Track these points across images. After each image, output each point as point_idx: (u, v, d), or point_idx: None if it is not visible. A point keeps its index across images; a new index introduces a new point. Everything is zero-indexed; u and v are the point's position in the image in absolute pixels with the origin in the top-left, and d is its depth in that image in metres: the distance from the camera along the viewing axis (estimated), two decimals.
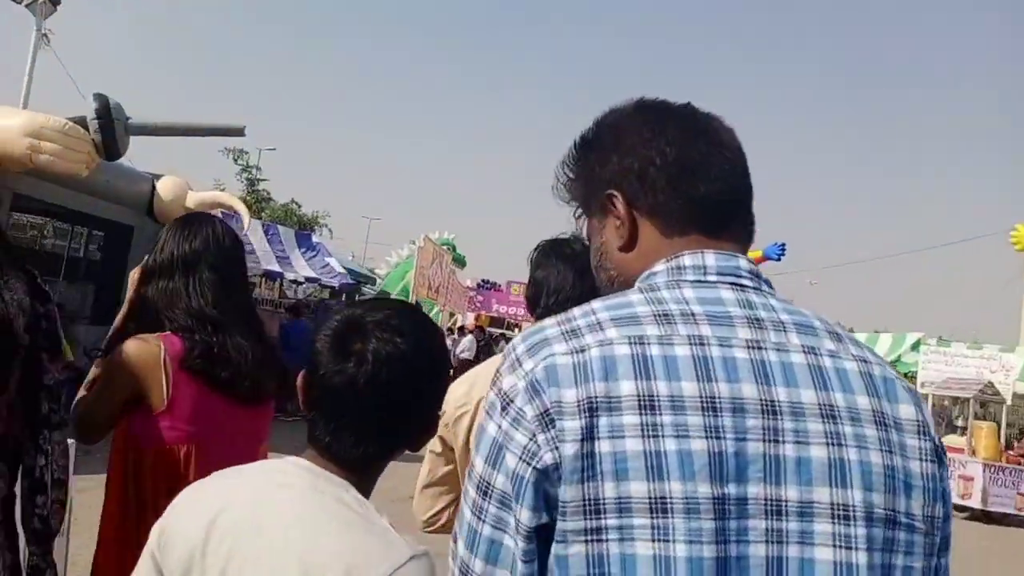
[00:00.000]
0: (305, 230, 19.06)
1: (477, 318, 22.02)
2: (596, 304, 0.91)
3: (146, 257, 2.06)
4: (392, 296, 17.60)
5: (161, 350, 1.85)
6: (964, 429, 11.34)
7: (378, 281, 20.01)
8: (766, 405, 0.82)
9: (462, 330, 18.51)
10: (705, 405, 0.80)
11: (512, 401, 0.84)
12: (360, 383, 1.11)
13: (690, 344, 0.84)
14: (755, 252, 18.32)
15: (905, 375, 18.20)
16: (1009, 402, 12.59)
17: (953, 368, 14.58)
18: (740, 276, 0.92)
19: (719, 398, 0.81)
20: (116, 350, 1.89)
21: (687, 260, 0.93)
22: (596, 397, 0.81)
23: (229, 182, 25.12)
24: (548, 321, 0.90)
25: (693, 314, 0.87)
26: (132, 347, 1.86)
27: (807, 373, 0.84)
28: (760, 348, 0.85)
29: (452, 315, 18.51)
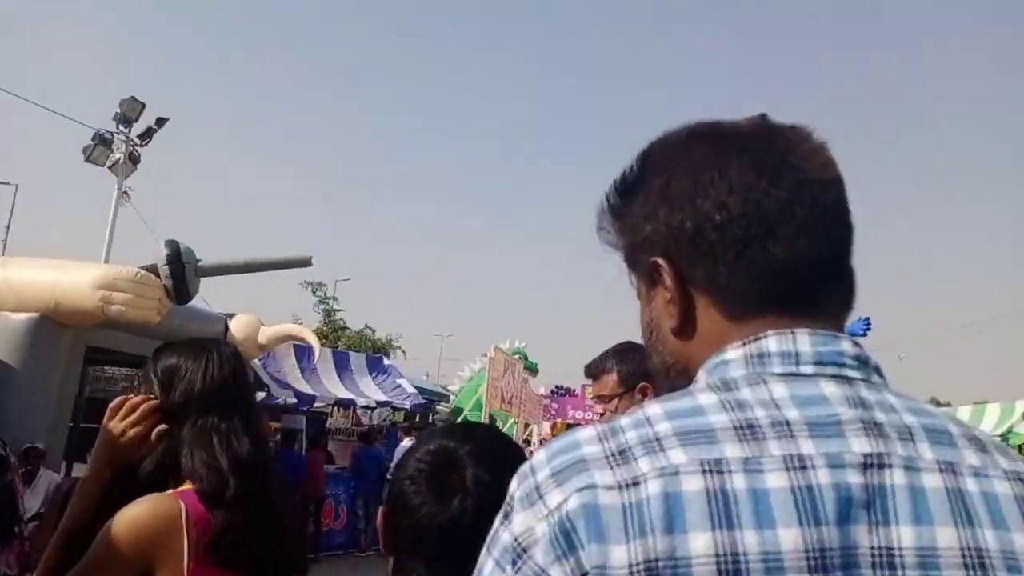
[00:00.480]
0: (378, 354, 19.25)
1: (553, 427, 21.49)
2: (652, 409, 0.67)
3: (133, 389, 1.71)
4: (466, 411, 17.47)
5: (182, 509, 1.46)
6: None
7: (451, 398, 19.94)
8: (881, 556, 0.59)
9: (541, 443, 18.04)
10: (813, 564, 0.58)
11: (526, 552, 0.61)
12: (467, 519, 1.06)
13: (787, 469, 0.60)
14: None
15: (1020, 447, 16.98)
16: None
17: None
18: (844, 365, 0.68)
19: (829, 550, 0.58)
20: (115, 521, 1.44)
21: (772, 344, 0.69)
22: (657, 560, 0.57)
23: (308, 314, 26.05)
24: (584, 432, 0.66)
25: (788, 422, 0.63)
26: (142, 512, 1.44)
27: (945, 502, 0.62)
28: (883, 467, 0.62)
29: (527, 426, 18.18)
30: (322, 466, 11.34)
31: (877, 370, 0.70)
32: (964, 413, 18.33)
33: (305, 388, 11.72)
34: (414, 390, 14.78)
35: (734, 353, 0.70)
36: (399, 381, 14.51)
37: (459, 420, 17.82)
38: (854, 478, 0.61)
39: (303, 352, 11.66)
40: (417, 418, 15.75)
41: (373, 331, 28.67)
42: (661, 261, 0.75)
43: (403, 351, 29.52)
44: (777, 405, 0.65)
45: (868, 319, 17.06)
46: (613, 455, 0.62)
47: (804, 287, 0.72)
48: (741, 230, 0.71)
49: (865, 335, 16.93)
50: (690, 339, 0.75)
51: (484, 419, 13.96)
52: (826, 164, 0.74)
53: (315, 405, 12.49)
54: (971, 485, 0.63)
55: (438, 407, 19.95)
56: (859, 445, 0.63)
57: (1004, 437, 16.56)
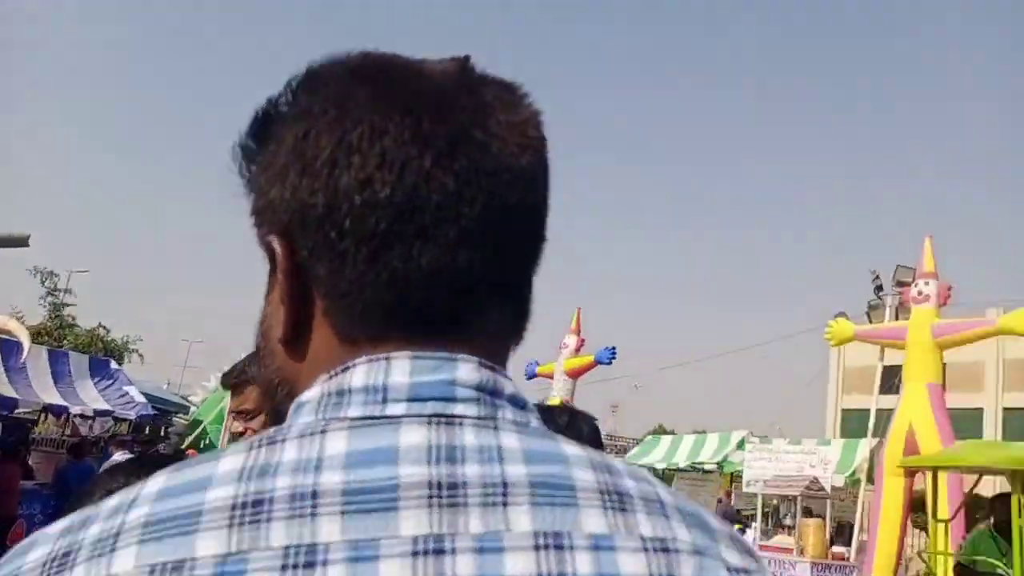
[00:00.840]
0: (107, 357, 17.38)
1: None
2: (152, 484, 0.48)
3: None
4: (205, 423, 16.24)
5: None
6: (791, 528, 11.53)
7: (192, 409, 18.62)
8: None
9: None
10: None
11: None
12: None
13: (284, 568, 0.42)
14: (587, 357, 18.82)
15: (731, 475, 18.84)
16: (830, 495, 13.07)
17: (776, 464, 15.10)
18: (454, 399, 0.50)
19: None
20: None
21: (358, 377, 0.51)
22: None
23: (32, 307, 23.20)
24: (56, 526, 0.48)
25: (315, 493, 0.45)
26: None
27: None
28: (442, 552, 0.44)
29: None
30: (17, 481, 9.98)
31: (513, 400, 0.53)
32: (688, 442, 19.96)
33: (7, 390, 10.25)
34: (143, 399, 13.56)
35: (313, 392, 0.52)
36: (126, 388, 13.27)
37: (196, 434, 16.77)
38: (395, 571, 0.43)
39: (11, 348, 10.17)
40: (147, 430, 14.39)
41: (107, 331, 26.05)
42: (276, 244, 0.55)
43: (140, 355, 27.18)
44: (318, 468, 0.47)
45: (614, 348, 18.24)
46: (57, 559, 0.45)
47: (452, 311, 0.54)
48: (384, 223, 0.52)
49: (611, 363, 18.12)
50: (301, 359, 0.56)
51: (224, 434, 13.06)
52: (525, 146, 0.56)
53: (18, 411, 10.95)
54: (583, 564, 0.46)
55: (175, 419, 18.45)
56: (412, 523, 0.45)
57: (720, 465, 18.21)
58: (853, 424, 30.04)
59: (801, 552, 10.97)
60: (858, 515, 14.57)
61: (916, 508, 13.92)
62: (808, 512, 12.02)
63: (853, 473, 14.97)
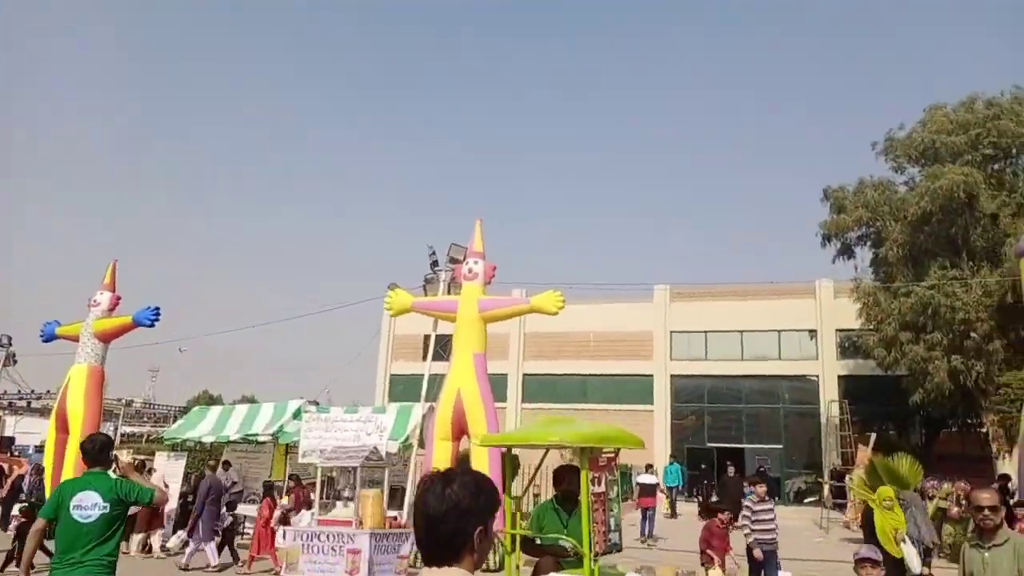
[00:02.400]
0: None
1: None
2: None
3: None
4: None
5: None
6: (350, 499, 11.35)
7: None
8: None
9: None
10: None
11: None
12: None
13: None
14: (123, 317, 16.43)
15: (286, 446, 18.23)
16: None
17: (334, 433, 14.94)
18: None
19: None
20: None
21: None
22: None
23: None
24: None
25: None
26: None
27: None
28: None
29: None
30: None
31: None
32: (240, 412, 18.83)
33: None
34: None
35: None
36: None
37: None
38: None
39: None
40: None
41: None
42: None
43: None
44: None
45: (157, 308, 16.27)
46: None
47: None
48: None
49: (153, 325, 16.14)
50: None
51: None
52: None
53: None
54: None
55: None
56: None
57: (275, 436, 17.49)
58: (399, 388, 31.81)
59: (361, 524, 10.87)
60: (410, 478, 15.19)
61: None
62: (367, 482, 12.03)
63: (407, 439, 15.51)
